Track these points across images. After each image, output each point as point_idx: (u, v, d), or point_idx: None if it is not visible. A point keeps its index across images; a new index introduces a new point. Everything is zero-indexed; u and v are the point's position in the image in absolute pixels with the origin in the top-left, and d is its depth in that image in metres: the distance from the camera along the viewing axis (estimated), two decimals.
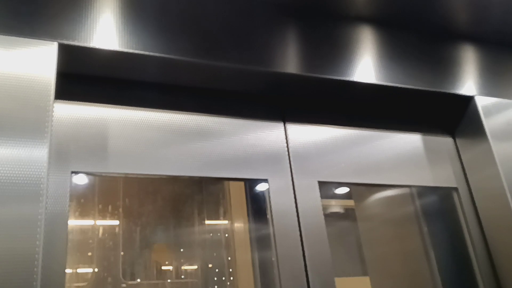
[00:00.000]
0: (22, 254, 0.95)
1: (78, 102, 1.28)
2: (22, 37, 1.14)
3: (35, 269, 0.95)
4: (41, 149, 1.05)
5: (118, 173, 1.26)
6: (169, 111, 1.39)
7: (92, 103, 1.30)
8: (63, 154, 1.21)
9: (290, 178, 1.46)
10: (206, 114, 1.44)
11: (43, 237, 0.98)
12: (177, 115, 1.40)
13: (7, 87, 1.07)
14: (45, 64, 1.13)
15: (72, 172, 1.20)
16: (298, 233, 1.38)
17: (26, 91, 1.09)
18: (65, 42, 1.18)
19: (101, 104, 1.31)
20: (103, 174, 1.25)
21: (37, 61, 1.13)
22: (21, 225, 0.97)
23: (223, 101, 1.48)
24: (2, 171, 1.00)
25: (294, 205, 1.42)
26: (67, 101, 1.25)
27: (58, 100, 1.20)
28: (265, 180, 1.43)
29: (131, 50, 1.26)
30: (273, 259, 1.34)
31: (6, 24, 1.14)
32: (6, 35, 1.13)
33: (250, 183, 1.48)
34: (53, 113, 1.11)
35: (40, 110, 1.08)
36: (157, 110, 1.38)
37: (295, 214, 1.40)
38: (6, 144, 1.03)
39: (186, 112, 1.42)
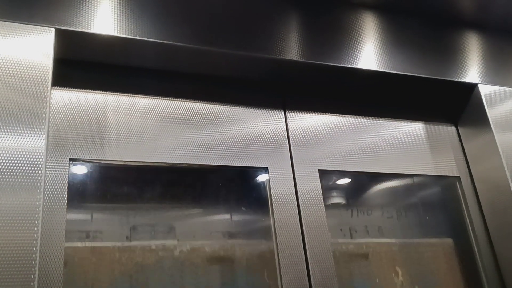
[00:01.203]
0: (21, 244, 0.94)
1: (76, 89, 1.26)
2: (18, 22, 1.12)
3: (34, 258, 0.94)
4: (38, 137, 1.04)
5: (117, 161, 1.25)
6: (168, 98, 1.38)
7: (90, 90, 1.28)
8: (61, 141, 1.19)
9: (291, 166, 1.45)
10: (205, 101, 1.42)
11: (41, 226, 0.97)
12: (176, 102, 1.39)
13: (3, 74, 1.06)
14: (42, 50, 1.11)
15: (70, 160, 1.19)
16: (298, 221, 1.37)
17: (23, 78, 1.07)
18: (63, 27, 1.16)
19: (99, 91, 1.29)
20: (102, 162, 1.24)
21: (34, 47, 1.11)
22: (20, 215, 0.96)
23: (223, 88, 1.46)
24: (4, 159, 0.99)
25: (294, 193, 1.41)
26: (64, 88, 1.23)
27: (55, 87, 1.18)
28: (265, 169, 1.42)
29: (129, 36, 1.24)
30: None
31: (2, 9, 1.12)
32: (2, 20, 1.11)
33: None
34: (51, 100, 1.09)
35: (37, 97, 1.07)
36: (156, 97, 1.36)
37: (296, 202, 1.39)
38: (3, 132, 1.01)
39: (186, 100, 1.40)
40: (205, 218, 1.40)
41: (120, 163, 1.26)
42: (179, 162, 1.32)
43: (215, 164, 1.37)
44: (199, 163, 1.35)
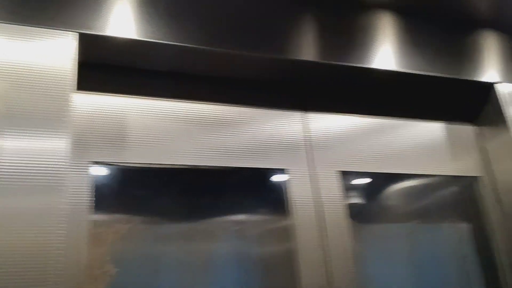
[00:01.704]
0: (46, 245, 0.95)
1: (98, 92, 1.27)
2: (41, 27, 1.13)
3: (59, 260, 0.95)
4: (62, 140, 1.04)
5: (138, 164, 1.26)
6: (188, 100, 1.38)
7: (111, 93, 1.29)
8: (83, 144, 1.20)
9: (311, 168, 1.44)
10: (225, 103, 1.43)
11: (66, 228, 0.98)
12: (196, 104, 1.39)
13: (27, 78, 1.07)
14: (65, 55, 1.12)
15: (92, 163, 1.20)
16: (318, 224, 1.37)
17: (47, 82, 1.08)
18: (85, 31, 1.17)
19: (120, 94, 1.30)
20: (123, 164, 1.25)
21: (58, 51, 1.12)
22: (45, 216, 0.97)
23: (242, 90, 1.47)
24: (24, 162, 0.99)
25: (314, 195, 1.41)
26: (87, 92, 1.24)
27: (78, 91, 1.19)
28: (285, 170, 1.42)
29: (149, 39, 1.25)
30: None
31: (25, 14, 1.13)
32: (25, 25, 1.12)
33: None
34: (74, 104, 1.09)
35: (61, 101, 1.07)
36: (176, 99, 1.37)
37: (316, 204, 1.39)
38: (28, 135, 1.02)
39: (205, 102, 1.40)
40: (224, 220, 1.40)
41: (141, 165, 1.27)
42: (199, 164, 1.33)
43: (235, 166, 1.38)
44: (219, 165, 1.35)
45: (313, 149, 1.48)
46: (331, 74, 1.52)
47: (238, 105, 1.45)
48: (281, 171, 1.42)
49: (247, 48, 1.36)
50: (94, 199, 1.17)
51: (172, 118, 1.34)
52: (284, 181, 1.41)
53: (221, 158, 1.35)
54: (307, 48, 1.44)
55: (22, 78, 1.06)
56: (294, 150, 1.46)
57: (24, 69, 1.07)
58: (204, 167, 1.34)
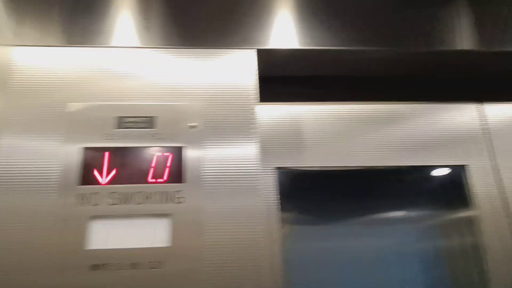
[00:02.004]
0: (248, 245, 1.04)
1: (277, 103, 1.36)
2: (225, 48, 1.25)
3: (262, 259, 1.03)
4: (252, 147, 1.14)
5: (318, 167, 1.31)
6: (359, 102, 1.40)
7: (288, 102, 1.37)
8: (268, 152, 1.30)
9: (492, 160, 1.35)
10: (398, 101, 1.41)
11: (266, 228, 1.06)
12: (368, 105, 1.40)
13: (218, 96, 1.19)
14: (247, 71, 1.23)
15: (277, 168, 1.29)
16: (507, 216, 1.28)
17: (235, 96, 1.19)
18: (261, 47, 1.27)
19: (296, 103, 1.38)
20: (303, 169, 1.31)
21: (240, 68, 1.23)
22: (245, 215, 1.06)
23: (415, 87, 1.44)
24: (224, 168, 1.10)
25: (498, 188, 1.33)
26: (268, 103, 1.33)
27: (261, 102, 1.29)
28: (464, 166, 1.35)
29: (310, 47, 1.30)
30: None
31: (211, 40, 1.27)
32: (211, 48, 1.25)
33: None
34: (258, 115, 1.19)
35: (248, 113, 1.17)
36: (348, 102, 1.40)
37: (501, 196, 1.30)
38: (224, 145, 1.13)
39: (378, 102, 1.41)
40: (405, 218, 1.38)
41: (319, 168, 1.32)
42: (376, 165, 1.33)
43: (412, 164, 1.35)
44: (396, 165, 1.34)
45: (492, 140, 1.38)
46: (507, 62, 1.41)
47: (412, 101, 1.42)
48: (461, 166, 1.36)
49: (416, 45, 1.33)
50: (279, 201, 1.25)
51: (347, 121, 1.37)
52: (464, 175, 1.34)
53: (398, 157, 1.34)
54: (478, 38, 1.35)
55: (214, 96, 1.18)
56: (472, 143, 1.38)
57: (215, 88, 1.20)
58: (379, 168, 1.34)
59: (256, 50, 1.26)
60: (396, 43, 1.33)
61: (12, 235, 0.98)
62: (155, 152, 1.09)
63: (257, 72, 1.23)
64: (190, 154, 1.10)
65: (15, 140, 1.07)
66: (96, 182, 1.04)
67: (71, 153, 1.06)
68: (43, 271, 0.96)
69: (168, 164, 1.08)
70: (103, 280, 0.96)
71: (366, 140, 1.36)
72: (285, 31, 1.31)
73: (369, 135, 1.37)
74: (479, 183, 1.34)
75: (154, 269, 0.98)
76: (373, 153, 1.34)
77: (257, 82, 1.22)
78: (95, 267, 0.97)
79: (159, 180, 1.06)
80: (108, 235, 1.01)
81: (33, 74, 1.15)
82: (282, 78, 1.39)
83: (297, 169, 1.31)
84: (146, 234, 1.02)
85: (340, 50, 1.31)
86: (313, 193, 1.35)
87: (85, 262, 0.97)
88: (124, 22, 1.26)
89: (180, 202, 1.05)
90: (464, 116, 1.41)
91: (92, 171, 1.05)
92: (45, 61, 1.17)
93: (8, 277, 0.95)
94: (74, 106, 1.12)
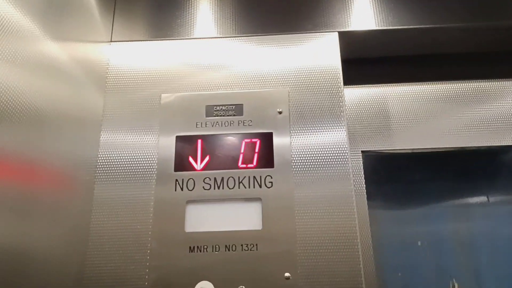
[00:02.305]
0: (342, 230, 1.04)
1: (361, 85, 1.35)
2: (306, 33, 1.25)
3: (356, 244, 1.02)
4: (339, 132, 1.13)
5: (405, 149, 1.28)
6: (445, 81, 1.35)
7: (372, 84, 1.35)
8: (353, 135, 1.29)
9: None
10: (486, 79, 1.34)
11: (356, 212, 1.06)
12: (455, 84, 1.34)
13: (302, 80, 1.19)
14: (331, 54, 1.22)
15: (362, 152, 1.27)
16: None
17: (319, 80, 1.19)
18: (343, 30, 1.25)
19: (381, 84, 1.35)
20: (390, 152, 1.29)
21: (324, 52, 1.22)
22: (337, 201, 1.06)
23: (506, 63, 1.35)
24: (312, 155, 1.11)
25: None
26: (352, 86, 1.32)
27: (345, 86, 1.27)
28: None
29: (391, 27, 1.26)
30: None
31: (292, 24, 1.27)
32: (295, 33, 1.25)
33: None
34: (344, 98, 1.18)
35: (334, 97, 1.17)
36: (433, 82, 1.35)
37: None
38: (310, 129, 1.14)
39: (465, 80, 1.34)
40: (498, 201, 1.31)
41: (408, 151, 1.28)
42: (467, 146, 1.27)
43: (506, 144, 1.27)
44: (488, 145, 1.27)
45: None
46: None
47: (502, 79, 1.33)
48: None
49: (505, 18, 1.25)
50: (365, 185, 1.24)
51: (433, 101, 1.33)
52: None
53: (489, 137, 1.28)
54: None
55: (299, 81, 1.19)
56: None
57: (299, 73, 1.20)
58: (471, 148, 1.28)
59: (337, 32, 1.24)
60: (484, 18, 1.26)
61: (117, 221, 1.06)
62: (243, 138, 1.12)
63: (339, 55, 1.22)
64: (278, 139, 1.12)
65: (115, 134, 1.15)
66: (191, 168, 1.09)
67: (166, 143, 1.12)
68: (147, 253, 1.03)
69: (256, 149, 1.11)
70: (201, 261, 1.01)
71: (456, 121, 1.30)
72: (365, 12, 1.28)
73: (459, 115, 1.31)
74: None
75: (248, 251, 1.02)
76: (464, 134, 1.29)
77: (340, 65, 1.21)
78: (193, 248, 1.02)
79: (249, 165, 1.09)
80: (204, 219, 1.06)
81: (127, 69, 1.22)
82: (365, 60, 1.36)
83: (384, 152, 1.29)
84: (239, 217, 1.06)
85: (423, 28, 1.26)
86: (400, 176, 1.32)
87: (184, 244, 1.03)
88: (207, 13, 1.30)
89: (270, 187, 1.07)
90: None
91: (187, 158, 1.10)
92: (137, 56, 1.24)
93: (114, 258, 1.03)
94: (167, 98, 1.18)
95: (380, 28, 1.26)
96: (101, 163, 1.11)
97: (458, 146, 1.28)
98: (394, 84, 1.34)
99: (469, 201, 1.31)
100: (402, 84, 1.34)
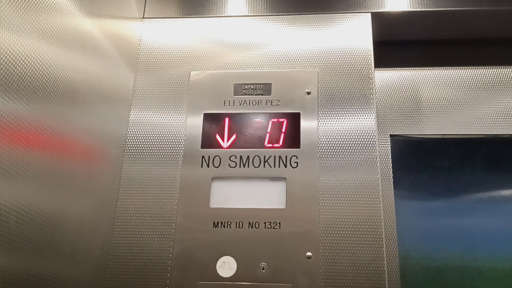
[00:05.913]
0: (367, 216, 1.03)
1: (392, 68, 1.32)
2: (338, 13, 1.23)
3: (380, 229, 1.02)
4: (368, 116, 1.12)
5: (435, 135, 1.26)
6: (480, 66, 1.31)
7: (404, 68, 1.32)
8: (382, 119, 1.27)
9: None
10: None
11: (381, 196, 1.05)
12: (489, 70, 1.30)
13: (331, 62, 1.18)
14: (362, 35, 1.20)
15: (391, 136, 1.26)
16: None
17: (349, 62, 1.17)
18: (377, 10, 1.23)
19: (412, 68, 1.32)
20: (419, 136, 1.27)
21: (355, 33, 1.20)
22: (363, 190, 1.05)
23: None
24: (337, 136, 1.10)
25: None
26: (384, 68, 1.30)
27: (377, 68, 1.26)
28: None
29: (427, 9, 1.23)
30: None
31: (322, 4, 1.25)
32: (325, 13, 1.24)
33: None
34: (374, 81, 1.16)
35: (363, 79, 1.15)
36: (467, 67, 1.31)
37: None
38: (338, 111, 1.13)
39: (499, 66, 1.30)
40: None
41: (438, 136, 1.26)
42: (501, 133, 1.24)
43: None
44: None
45: None
46: None
47: None
48: None
49: None
50: (392, 170, 1.22)
51: (465, 86, 1.29)
52: None
53: None
54: None
55: (329, 62, 1.18)
56: None
57: (329, 54, 1.19)
58: (505, 136, 1.25)
59: (370, 13, 1.22)
60: None
61: (144, 195, 1.09)
62: (271, 118, 1.12)
63: (371, 37, 1.20)
64: (305, 119, 1.12)
65: (144, 111, 1.17)
66: (218, 146, 1.11)
67: (194, 120, 1.14)
68: (172, 227, 1.05)
69: (283, 129, 1.11)
70: (224, 236, 1.03)
71: (489, 107, 1.26)
72: None
73: (492, 101, 1.27)
74: None
75: (271, 229, 1.03)
76: (497, 121, 1.25)
77: (372, 47, 1.19)
78: (217, 224, 1.04)
79: (275, 145, 1.10)
80: (228, 195, 1.07)
81: (159, 47, 1.24)
82: (397, 43, 1.33)
83: (413, 137, 1.26)
84: (263, 196, 1.07)
85: (458, 11, 1.22)
86: (429, 163, 1.29)
87: (209, 219, 1.05)
88: None
89: (295, 167, 1.07)
90: None
91: (214, 136, 1.12)
92: (169, 34, 1.25)
93: (141, 230, 1.07)
94: (196, 75, 1.19)
95: (415, 9, 1.23)
96: (130, 140, 1.14)
97: (491, 133, 1.24)
98: (426, 67, 1.31)
99: (501, 193, 1.27)
100: (434, 68, 1.31)
